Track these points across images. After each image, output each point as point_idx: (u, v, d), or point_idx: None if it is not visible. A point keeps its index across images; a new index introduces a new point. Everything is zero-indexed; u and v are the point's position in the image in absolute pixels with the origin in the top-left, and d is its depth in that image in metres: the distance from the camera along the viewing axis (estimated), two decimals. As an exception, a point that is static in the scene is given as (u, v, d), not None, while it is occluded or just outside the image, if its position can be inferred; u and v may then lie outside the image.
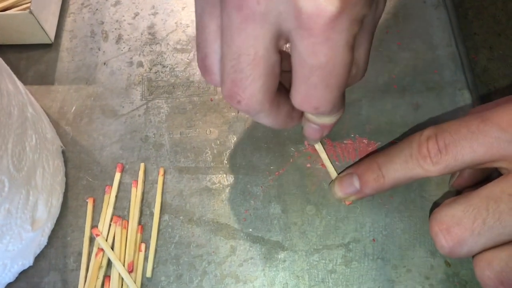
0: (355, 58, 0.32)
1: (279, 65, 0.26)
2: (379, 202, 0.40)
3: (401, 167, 0.33)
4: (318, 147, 0.40)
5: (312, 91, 0.26)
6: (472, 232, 0.30)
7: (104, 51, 0.47)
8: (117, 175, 0.41)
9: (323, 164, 0.41)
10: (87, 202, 0.40)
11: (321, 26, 0.22)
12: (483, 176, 0.36)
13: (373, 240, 0.38)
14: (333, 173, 0.40)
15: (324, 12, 0.22)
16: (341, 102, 0.29)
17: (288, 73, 0.27)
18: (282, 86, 0.30)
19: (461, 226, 0.30)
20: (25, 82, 0.43)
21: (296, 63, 0.25)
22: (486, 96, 0.46)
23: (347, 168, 0.39)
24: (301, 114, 0.33)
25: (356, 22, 0.23)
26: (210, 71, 0.28)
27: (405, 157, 0.33)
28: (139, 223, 0.40)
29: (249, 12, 0.23)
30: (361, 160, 0.40)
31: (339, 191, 0.38)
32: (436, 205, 0.39)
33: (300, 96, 0.26)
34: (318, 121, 0.32)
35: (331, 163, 0.40)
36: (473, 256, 0.31)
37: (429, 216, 0.37)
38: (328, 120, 0.32)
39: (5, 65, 0.35)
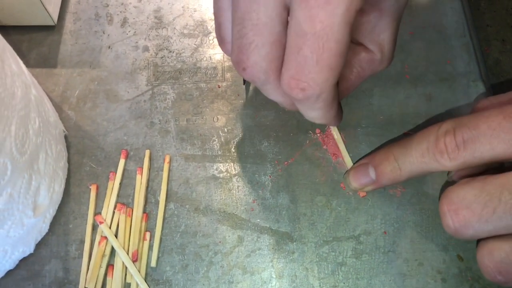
0: (380, 43, 0.31)
1: (285, 37, 0.26)
2: (390, 194, 0.39)
3: (417, 160, 0.32)
4: (337, 136, 0.39)
5: (301, 66, 0.25)
6: (480, 218, 0.29)
7: (108, 35, 0.45)
8: (122, 162, 0.40)
9: (334, 154, 0.40)
10: (90, 189, 0.39)
11: None
12: (487, 167, 0.35)
13: (385, 232, 0.38)
14: (350, 163, 0.39)
15: None
16: (331, 97, 0.28)
17: None
18: None
19: (470, 210, 0.29)
20: (27, 64, 0.42)
21: (290, 33, 0.24)
22: (498, 89, 0.45)
23: (360, 158, 0.38)
24: None
25: None
26: (224, 40, 0.29)
27: (422, 151, 0.32)
28: (144, 211, 0.38)
29: None
30: (375, 150, 0.39)
31: (354, 181, 0.37)
32: (448, 184, 0.37)
33: (289, 73, 0.26)
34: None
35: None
36: (478, 240, 0.31)
37: (440, 194, 0.36)
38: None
39: (8, 45, 0.34)
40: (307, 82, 0.25)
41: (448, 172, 0.37)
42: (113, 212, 0.38)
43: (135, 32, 0.45)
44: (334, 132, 0.40)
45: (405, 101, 0.42)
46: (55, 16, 0.45)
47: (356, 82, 0.34)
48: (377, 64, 0.32)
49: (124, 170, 0.40)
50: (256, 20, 0.25)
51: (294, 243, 0.37)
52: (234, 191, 0.39)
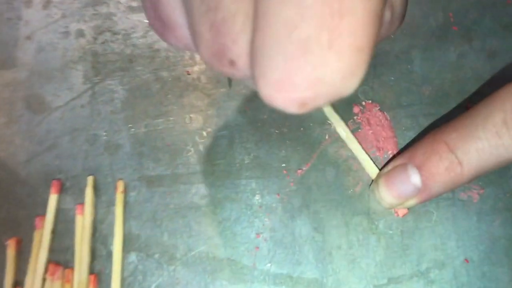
0: None
1: None
2: (463, 200, 0.29)
3: (489, 144, 0.25)
4: (347, 134, 0.29)
5: (297, 59, 0.15)
6: None
7: (27, 21, 0.36)
8: (53, 198, 0.31)
9: (379, 147, 0.30)
10: (6, 245, 0.30)
11: None
12: None
13: (466, 260, 0.28)
14: (372, 169, 0.29)
15: None
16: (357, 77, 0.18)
17: None
18: None
19: None
20: None
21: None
22: None
23: (393, 156, 0.29)
24: None
25: None
26: (173, 23, 0.19)
27: (496, 128, 0.25)
28: (91, 271, 0.29)
29: None
30: (415, 142, 0.29)
31: (388, 194, 0.27)
32: None
33: (274, 74, 0.16)
34: None
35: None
36: None
37: None
38: None
39: None
40: (312, 88, 0.15)
41: None
42: (44, 279, 0.28)
43: (63, 13, 0.36)
44: (340, 128, 0.29)
45: (458, 63, 0.32)
46: None
47: None
48: (386, 25, 0.23)
49: (58, 210, 0.31)
50: None
51: (329, 294, 0.26)
52: (227, 224, 0.29)
